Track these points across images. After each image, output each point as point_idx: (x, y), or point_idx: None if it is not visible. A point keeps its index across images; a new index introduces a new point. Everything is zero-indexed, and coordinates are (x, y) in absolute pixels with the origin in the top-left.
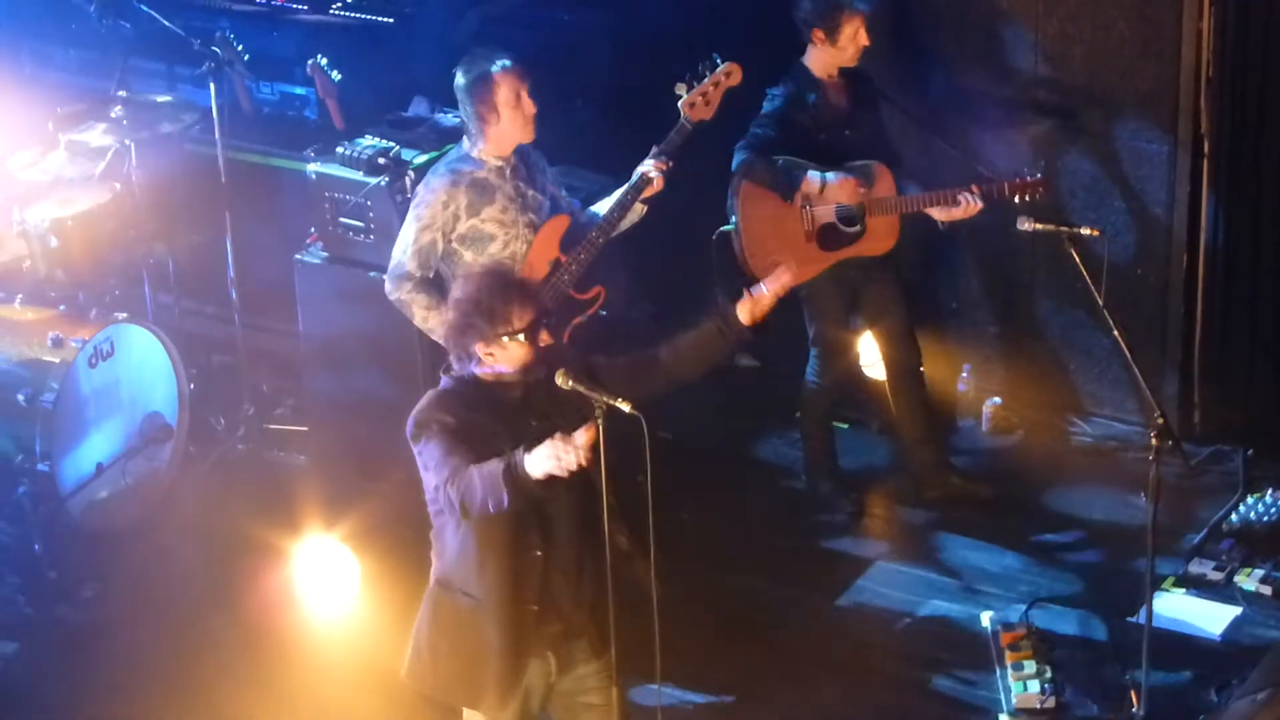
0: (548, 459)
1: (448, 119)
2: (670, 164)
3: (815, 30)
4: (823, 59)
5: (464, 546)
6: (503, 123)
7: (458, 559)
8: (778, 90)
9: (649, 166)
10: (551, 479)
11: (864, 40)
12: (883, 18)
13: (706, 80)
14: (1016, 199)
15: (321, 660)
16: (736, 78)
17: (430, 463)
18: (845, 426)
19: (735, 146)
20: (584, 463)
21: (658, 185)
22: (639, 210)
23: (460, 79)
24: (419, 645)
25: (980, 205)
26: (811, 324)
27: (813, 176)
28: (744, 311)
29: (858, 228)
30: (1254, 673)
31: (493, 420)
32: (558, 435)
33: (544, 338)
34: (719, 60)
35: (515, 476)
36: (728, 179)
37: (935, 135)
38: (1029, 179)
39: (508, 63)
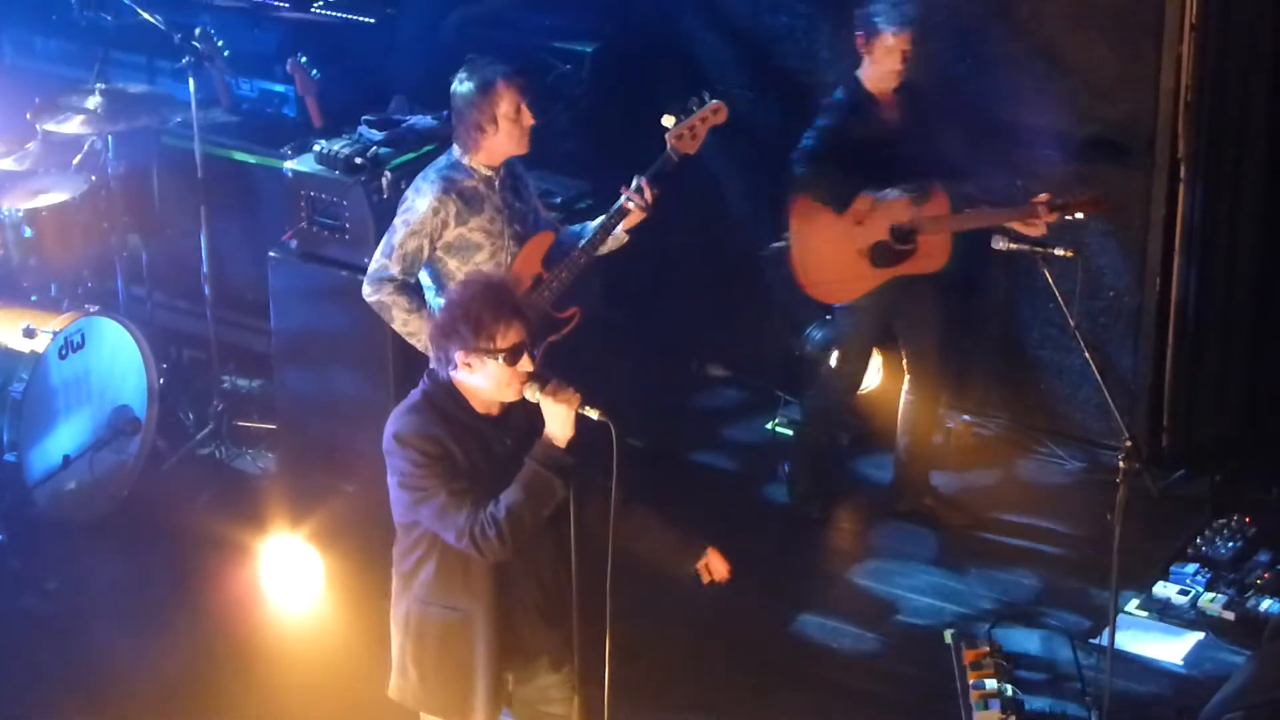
0: (559, 414)
1: (426, 120)
2: (656, 192)
3: (857, 36)
4: (868, 72)
5: (445, 562)
6: (500, 134)
7: (438, 575)
8: (832, 101)
9: (633, 194)
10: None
11: (899, 60)
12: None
13: (694, 115)
14: (1070, 216)
15: (284, 661)
16: (723, 116)
17: (420, 491)
18: None
19: (790, 159)
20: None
21: (642, 213)
22: (620, 238)
23: (461, 87)
24: (403, 663)
25: (1052, 218)
26: (837, 341)
27: (866, 194)
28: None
29: (910, 245)
30: (1222, 693)
31: (466, 436)
32: (548, 392)
33: (525, 364)
34: (707, 97)
35: (556, 460)
36: (780, 191)
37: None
38: (1087, 196)
39: (511, 74)
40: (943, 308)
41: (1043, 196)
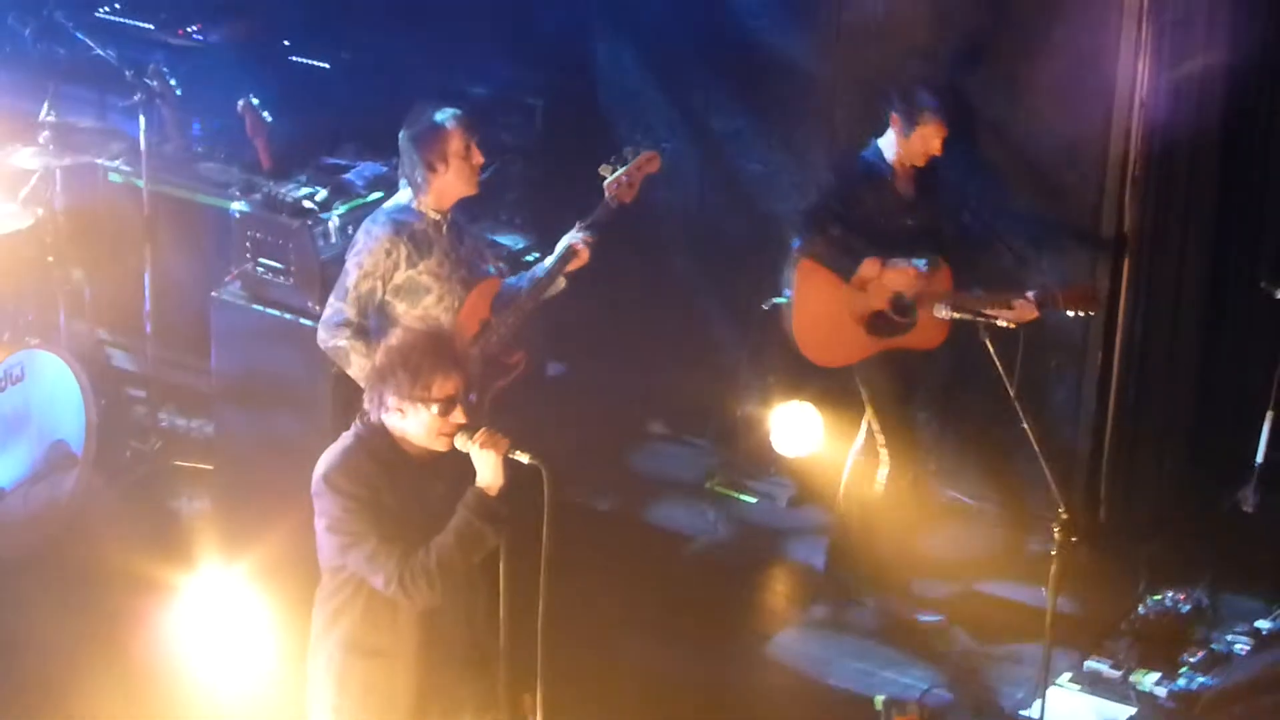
0: (490, 461)
1: (375, 167)
2: (595, 238)
3: (893, 114)
4: (895, 146)
5: (372, 606)
6: (450, 174)
7: (365, 619)
8: (848, 164)
9: (575, 240)
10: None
11: (935, 148)
12: None
13: (630, 164)
14: (1070, 311)
15: (215, 704)
16: (656, 165)
17: (349, 536)
18: (754, 500)
19: (799, 215)
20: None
21: (583, 259)
22: (560, 283)
23: (410, 128)
24: (325, 711)
25: (1036, 313)
26: (875, 418)
27: (874, 260)
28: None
29: (910, 319)
30: None
31: (398, 480)
32: (477, 439)
33: (457, 416)
34: (642, 147)
35: (488, 508)
36: (763, 248)
37: (994, 237)
38: (1084, 287)
39: (459, 113)
40: (936, 386)
41: (1030, 294)
